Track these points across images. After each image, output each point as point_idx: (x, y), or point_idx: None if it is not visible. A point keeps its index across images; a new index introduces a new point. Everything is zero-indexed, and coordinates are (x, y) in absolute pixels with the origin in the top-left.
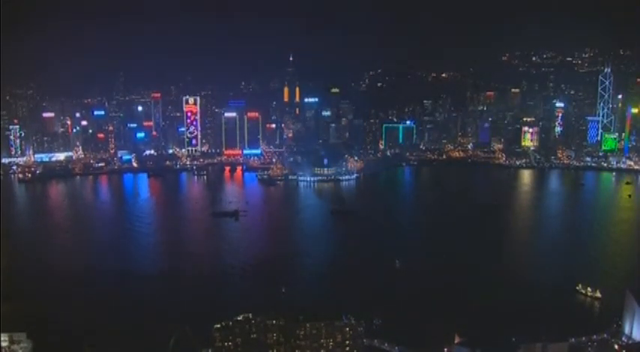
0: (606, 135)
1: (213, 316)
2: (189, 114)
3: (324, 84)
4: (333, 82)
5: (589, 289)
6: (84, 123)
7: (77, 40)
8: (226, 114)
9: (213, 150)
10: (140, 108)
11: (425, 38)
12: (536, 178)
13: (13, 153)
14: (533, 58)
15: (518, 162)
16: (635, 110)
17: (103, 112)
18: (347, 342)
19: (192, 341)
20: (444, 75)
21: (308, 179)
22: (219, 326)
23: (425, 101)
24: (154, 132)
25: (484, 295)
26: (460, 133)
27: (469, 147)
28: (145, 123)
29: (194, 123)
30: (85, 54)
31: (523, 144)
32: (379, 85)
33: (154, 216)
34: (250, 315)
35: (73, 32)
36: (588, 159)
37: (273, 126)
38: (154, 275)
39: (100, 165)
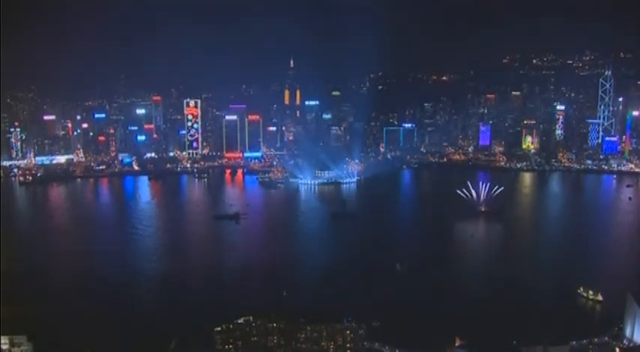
0: (607, 138)
1: (213, 318)
2: (189, 116)
3: (324, 86)
4: (333, 84)
5: (590, 292)
6: (85, 125)
7: (78, 42)
8: (227, 117)
9: (214, 153)
10: (141, 110)
11: (426, 41)
12: (537, 181)
13: (14, 155)
14: (534, 61)
15: (519, 165)
16: (635, 113)
17: (103, 115)
18: (348, 345)
19: (193, 344)
20: (444, 77)
21: (309, 182)
22: (219, 328)
23: (425, 104)
24: (155, 135)
25: (485, 297)
26: (461, 136)
27: (470, 149)
28: (146, 126)
29: (195, 126)
30: (86, 56)
31: (524, 146)
32: (380, 87)
33: (154, 218)
34: (251, 318)
35: (74, 35)
36: (589, 161)
37: (274, 128)
38: (154, 277)
39: (100, 167)
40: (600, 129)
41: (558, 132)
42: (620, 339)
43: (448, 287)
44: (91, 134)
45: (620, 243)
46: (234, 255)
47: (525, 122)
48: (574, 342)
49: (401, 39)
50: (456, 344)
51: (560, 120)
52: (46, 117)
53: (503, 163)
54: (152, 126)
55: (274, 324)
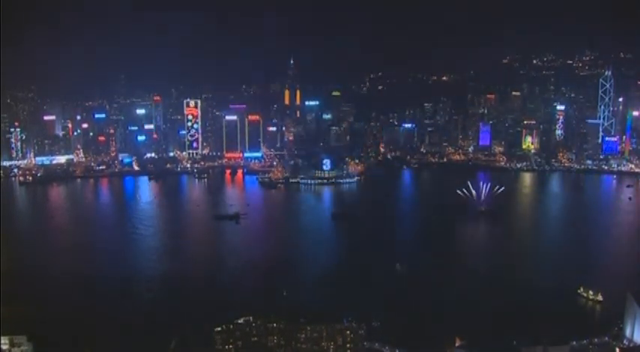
0: (607, 138)
1: (213, 318)
2: (190, 117)
3: (324, 87)
4: (333, 84)
5: (590, 292)
6: (85, 126)
7: (78, 42)
8: (227, 117)
9: (214, 153)
10: (141, 110)
11: (426, 41)
12: (537, 181)
13: (14, 155)
14: (534, 61)
15: (519, 165)
16: (635, 113)
17: (104, 115)
18: (348, 345)
19: (193, 344)
20: (444, 78)
21: (309, 182)
22: (219, 329)
23: (425, 104)
24: (155, 135)
25: (485, 298)
26: (461, 136)
27: (470, 150)
28: (146, 126)
29: (195, 126)
30: (86, 56)
31: (524, 147)
32: (380, 87)
33: (154, 218)
34: (251, 318)
35: (74, 35)
36: (589, 161)
37: (274, 129)
38: (154, 277)
39: (100, 167)
40: (600, 130)
41: (558, 132)
42: (620, 339)
43: (448, 287)
44: (91, 134)
45: (620, 243)
46: (234, 254)
47: (525, 122)
48: (574, 342)
49: (401, 39)
50: (456, 344)
51: (560, 120)
52: (46, 118)
53: (503, 163)
54: (152, 126)
55: (274, 324)
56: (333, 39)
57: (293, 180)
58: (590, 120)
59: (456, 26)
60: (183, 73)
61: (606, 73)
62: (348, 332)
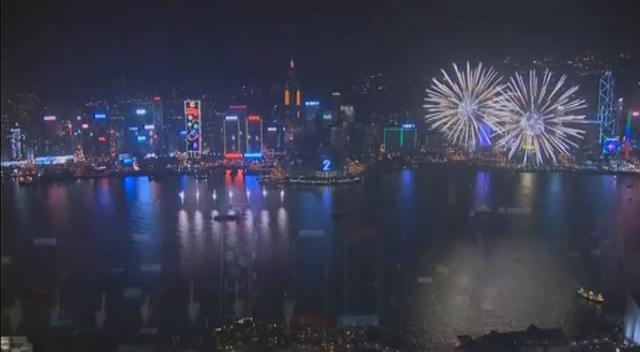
0: (607, 139)
1: (214, 318)
2: (190, 117)
3: (325, 87)
4: (334, 85)
5: (591, 293)
6: (85, 126)
7: (78, 43)
8: (227, 118)
9: (214, 154)
10: (141, 111)
11: (425, 41)
12: (538, 182)
13: (14, 156)
14: (534, 61)
15: (519, 166)
16: (636, 113)
17: (104, 116)
18: (348, 345)
19: (193, 344)
20: (444, 78)
21: (309, 182)
22: (219, 329)
23: (425, 104)
24: (155, 136)
25: (485, 298)
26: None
27: (470, 150)
28: (146, 127)
29: (195, 126)
30: (86, 57)
31: (524, 147)
32: (380, 88)
33: (154, 219)
34: (251, 319)
35: (75, 35)
36: (589, 162)
37: (274, 129)
38: (154, 278)
39: (101, 168)
40: (600, 130)
41: (559, 132)
42: (621, 340)
43: (448, 288)
44: (92, 135)
45: (620, 244)
46: (234, 255)
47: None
48: (574, 343)
49: (401, 39)
50: (457, 345)
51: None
52: (46, 118)
53: (503, 164)
54: (152, 126)
55: (274, 324)
56: (333, 39)
57: (293, 181)
58: (590, 121)
59: (457, 26)
60: (184, 73)
61: (606, 73)
62: (348, 332)
